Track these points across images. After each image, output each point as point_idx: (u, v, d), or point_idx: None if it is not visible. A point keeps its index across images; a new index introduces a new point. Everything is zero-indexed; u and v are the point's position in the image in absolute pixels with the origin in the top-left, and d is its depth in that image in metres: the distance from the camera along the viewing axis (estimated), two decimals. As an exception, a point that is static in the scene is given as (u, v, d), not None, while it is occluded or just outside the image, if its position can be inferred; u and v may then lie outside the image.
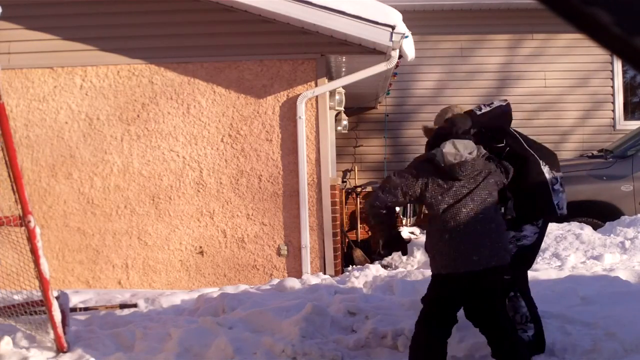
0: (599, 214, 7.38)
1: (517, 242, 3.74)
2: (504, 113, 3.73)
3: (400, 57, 6.58)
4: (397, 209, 8.91)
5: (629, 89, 10.22)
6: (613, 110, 9.85)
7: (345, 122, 8.27)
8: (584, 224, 7.06)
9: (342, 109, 7.74)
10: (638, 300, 4.50)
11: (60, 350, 4.26)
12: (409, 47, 6.88)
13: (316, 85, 6.58)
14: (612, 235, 6.74)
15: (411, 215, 9.07)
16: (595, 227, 7.12)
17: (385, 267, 6.98)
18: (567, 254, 6.31)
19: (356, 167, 9.76)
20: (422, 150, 10.43)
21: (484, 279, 3.39)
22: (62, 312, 4.26)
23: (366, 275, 5.82)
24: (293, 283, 5.57)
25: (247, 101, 6.63)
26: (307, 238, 6.58)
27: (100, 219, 6.66)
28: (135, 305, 5.48)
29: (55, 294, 4.31)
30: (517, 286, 3.78)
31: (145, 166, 6.65)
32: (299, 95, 6.56)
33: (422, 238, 7.25)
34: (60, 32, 6.58)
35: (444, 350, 3.49)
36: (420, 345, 3.49)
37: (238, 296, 5.10)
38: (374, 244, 8.49)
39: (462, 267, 3.36)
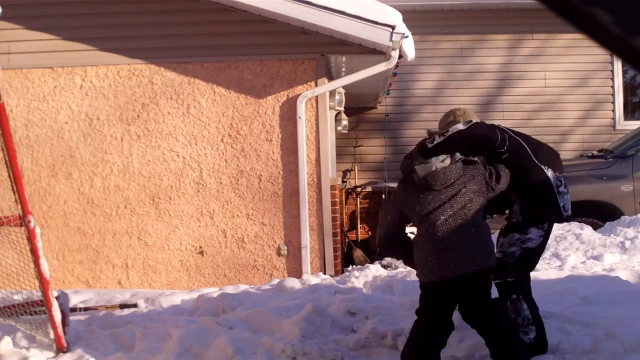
0: (599, 214, 7.38)
1: (522, 245, 3.74)
2: (467, 137, 3.61)
3: (400, 57, 6.58)
4: None
5: (629, 89, 10.22)
6: (613, 110, 9.85)
7: (345, 122, 8.27)
8: (584, 224, 7.05)
9: (342, 109, 7.74)
10: (638, 300, 4.50)
11: (60, 350, 4.26)
12: (409, 47, 6.88)
13: (316, 85, 6.59)
14: (612, 235, 6.74)
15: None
16: (595, 227, 7.12)
17: (385, 267, 6.98)
18: (567, 254, 6.31)
19: (356, 167, 9.76)
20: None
21: (465, 285, 3.40)
22: (62, 312, 4.26)
23: (366, 275, 5.82)
24: (293, 283, 5.57)
25: (247, 101, 6.63)
26: (307, 238, 6.58)
27: (100, 219, 6.66)
28: (135, 305, 5.48)
29: (55, 294, 4.30)
30: (519, 288, 3.78)
31: (145, 166, 6.65)
32: (299, 95, 6.56)
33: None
34: (60, 32, 6.58)
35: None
36: (412, 353, 3.51)
37: (238, 296, 5.10)
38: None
39: (440, 274, 3.40)
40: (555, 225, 6.71)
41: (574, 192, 7.02)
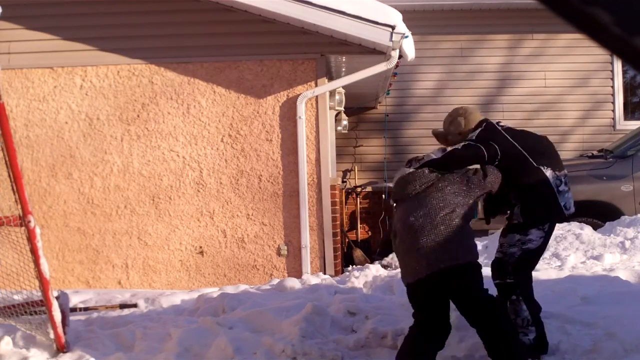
0: (599, 214, 7.37)
1: (522, 246, 3.74)
2: (448, 158, 3.65)
3: (400, 57, 6.58)
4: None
5: (629, 89, 10.22)
6: (613, 110, 9.85)
7: (345, 122, 8.26)
8: (584, 224, 7.05)
9: (342, 109, 7.74)
10: (638, 300, 4.50)
11: (60, 350, 4.26)
12: (409, 47, 6.88)
13: (316, 85, 6.59)
14: (612, 235, 6.74)
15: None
16: (595, 227, 7.11)
17: (385, 267, 6.98)
18: (567, 254, 6.31)
19: (356, 167, 9.76)
20: (421, 150, 10.51)
21: (440, 283, 3.42)
22: (62, 312, 4.26)
23: (366, 275, 5.82)
24: (293, 283, 5.57)
25: (247, 101, 6.63)
26: (307, 238, 6.58)
27: (100, 219, 6.66)
28: (135, 305, 5.48)
29: (55, 294, 4.30)
30: (519, 289, 3.77)
31: (145, 166, 6.65)
32: (299, 95, 6.56)
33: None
34: (60, 32, 6.58)
35: None
36: (404, 354, 3.52)
37: (238, 296, 5.10)
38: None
39: (410, 276, 3.51)
40: (556, 225, 6.74)
41: (574, 192, 7.02)
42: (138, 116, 6.66)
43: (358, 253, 8.41)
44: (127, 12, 6.60)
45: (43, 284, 4.09)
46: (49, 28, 6.57)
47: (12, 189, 3.98)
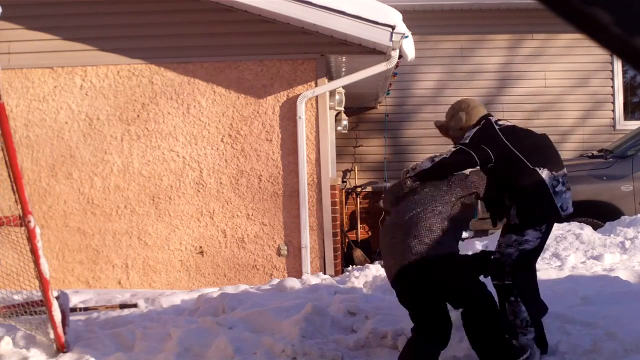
0: (599, 214, 7.37)
1: (519, 246, 3.73)
2: (437, 168, 3.69)
3: (400, 57, 6.58)
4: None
5: (629, 89, 10.22)
6: (613, 110, 9.85)
7: (345, 122, 8.27)
8: (584, 224, 7.05)
9: (342, 109, 7.74)
10: (638, 300, 4.50)
11: (60, 350, 4.26)
12: (409, 47, 6.88)
13: (316, 85, 6.59)
14: (612, 235, 6.74)
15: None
16: (595, 227, 7.11)
17: (385, 267, 6.97)
18: (567, 254, 6.31)
19: (356, 167, 9.76)
20: (421, 149, 10.41)
21: (408, 281, 3.46)
22: (62, 312, 4.26)
23: (366, 275, 5.82)
24: (293, 283, 5.57)
25: (247, 101, 6.63)
26: (307, 238, 6.58)
27: (100, 219, 6.66)
28: (135, 305, 5.48)
29: (55, 294, 4.30)
30: (517, 290, 3.75)
31: (145, 166, 6.65)
32: (299, 95, 6.56)
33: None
34: (60, 32, 6.58)
35: None
36: (405, 354, 3.53)
37: (238, 296, 5.10)
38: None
39: (388, 277, 3.62)
40: (555, 225, 6.70)
41: (574, 192, 7.01)
42: (138, 116, 6.66)
43: (358, 253, 8.41)
44: (127, 12, 6.60)
45: (43, 284, 4.09)
46: (49, 28, 6.57)
47: (12, 189, 3.98)
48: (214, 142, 6.65)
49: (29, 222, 4.00)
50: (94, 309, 5.43)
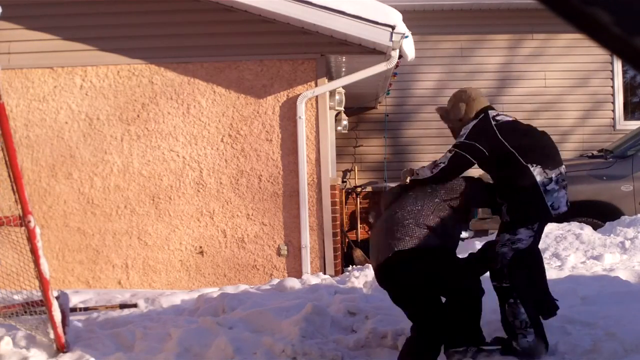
0: (599, 214, 7.37)
1: (512, 246, 3.71)
2: (439, 177, 3.73)
3: (400, 57, 6.58)
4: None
5: (629, 89, 10.22)
6: (613, 110, 9.85)
7: (345, 122, 8.27)
8: (584, 224, 7.04)
9: (342, 109, 7.74)
10: (638, 300, 4.50)
11: (60, 350, 4.26)
12: (409, 47, 6.88)
13: (316, 85, 6.59)
14: (612, 235, 6.73)
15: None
16: (595, 227, 7.11)
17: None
18: (567, 254, 6.31)
19: (356, 167, 9.76)
20: (421, 149, 10.38)
21: (386, 277, 3.56)
22: (62, 312, 4.26)
23: (366, 275, 5.81)
24: (293, 283, 5.57)
25: (247, 101, 6.63)
26: (307, 238, 6.58)
27: (100, 219, 6.66)
28: (135, 305, 5.48)
29: (55, 294, 4.30)
30: (516, 292, 3.74)
31: (145, 166, 6.65)
32: (299, 95, 6.56)
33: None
34: (60, 32, 6.58)
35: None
36: (406, 353, 3.55)
37: (238, 296, 5.10)
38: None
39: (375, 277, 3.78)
40: (555, 225, 6.75)
41: (574, 192, 7.03)
42: (138, 116, 6.66)
43: (358, 253, 8.41)
44: (127, 12, 6.60)
45: (43, 284, 4.09)
46: (49, 28, 6.57)
47: (12, 189, 3.98)
48: (214, 142, 6.65)
49: (29, 222, 4.00)
50: (94, 309, 5.42)
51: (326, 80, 6.64)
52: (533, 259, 3.86)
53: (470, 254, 3.95)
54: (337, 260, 6.71)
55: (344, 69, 7.48)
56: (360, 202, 9.56)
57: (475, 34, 9.72)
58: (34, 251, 4.04)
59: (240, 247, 6.65)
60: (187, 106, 6.65)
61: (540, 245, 3.99)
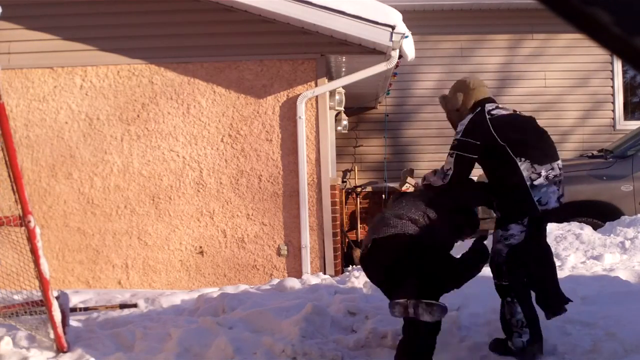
0: (599, 214, 7.37)
1: (505, 242, 3.71)
2: (454, 181, 3.79)
3: (400, 57, 6.58)
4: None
5: (629, 89, 10.22)
6: (613, 110, 9.85)
7: (345, 122, 8.27)
8: (584, 224, 7.04)
9: (342, 109, 7.74)
10: (638, 300, 4.50)
11: (60, 350, 4.26)
12: (409, 47, 6.88)
13: (316, 85, 6.59)
14: (612, 235, 6.73)
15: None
16: (595, 227, 7.10)
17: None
18: (567, 254, 6.31)
19: (356, 167, 9.76)
20: (421, 149, 10.38)
21: (377, 277, 3.64)
22: (62, 312, 4.26)
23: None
24: (293, 283, 5.57)
25: (247, 101, 6.63)
26: (307, 238, 6.58)
27: (100, 219, 6.66)
28: (135, 305, 5.48)
29: (55, 294, 4.30)
30: (513, 291, 3.73)
31: (145, 166, 6.65)
32: (299, 95, 6.56)
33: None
34: (60, 32, 6.58)
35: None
36: (402, 352, 3.57)
37: (238, 296, 5.10)
38: None
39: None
40: (555, 225, 6.75)
41: (574, 192, 7.05)
42: (138, 116, 6.66)
43: (358, 253, 8.40)
44: (127, 12, 6.60)
45: (43, 284, 4.09)
46: (49, 28, 6.57)
47: (12, 189, 3.98)
48: (214, 142, 6.65)
49: (29, 222, 4.00)
50: (94, 309, 5.42)
51: (326, 80, 6.64)
52: (535, 256, 3.81)
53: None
54: (337, 260, 6.71)
55: (344, 69, 7.48)
56: (360, 202, 9.56)
57: (475, 34, 9.72)
58: (34, 251, 4.04)
59: (240, 247, 6.65)
60: (187, 106, 6.65)
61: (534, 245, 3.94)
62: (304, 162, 6.56)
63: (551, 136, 3.96)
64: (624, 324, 4.00)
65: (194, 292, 5.90)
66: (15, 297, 4.36)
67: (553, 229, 6.69)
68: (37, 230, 4.05)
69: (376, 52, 6.41)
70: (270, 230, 6.64)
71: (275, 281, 5.91)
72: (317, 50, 6.55)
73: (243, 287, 5.75)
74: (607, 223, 7.11)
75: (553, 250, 6.43)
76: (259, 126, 6.63)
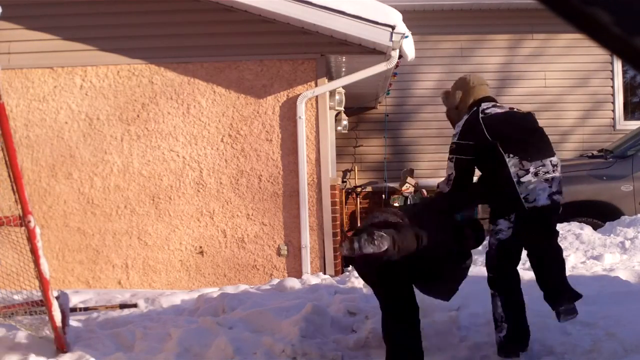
0: (599, 214, 7.37)
1: (495, 236, 3.76)
2: (456, 184, 3.82)
3: (400, 57, 6.58)
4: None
5: (629, 89, 10.22)
6: (613, 110, 9.85)
7: (345, 122, 8.27)
8: (584, 224, 7.04)
9: (342, 109, 7.74)
10: (638, 300, 4.50)
11: (60, 350, 4.26)
12: (409, 47, 6.88)
13: (316, 85, 6.59)
14: (612, 235, 6.73)
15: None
16: (595, 227, 7.11)
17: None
18: (567, 254, 6.30)
19: (356, 167, 9.76)
20: (421, 149, 10.38)
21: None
22: (62, 312, 4.26)
23: (366, 275, 5.81)
24: (293, 283, 5.57)
25: (247, 101, 6.63)
26: (307, 238, 6.58)
27: (100, 219, 6.66)
28: (135, 305, 5.48)
29: (55, 294, 4.30)
30: (497, 287, 3.75)
31: (145, 166, 6.65)
32: (299, 95, 6.56)
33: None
34: (60, 32, 6.58)
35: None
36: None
37: (238, 296, 5.10)
38: None
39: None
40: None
41: (575, 192, 7.06)
42: (138, 116, 6.66)
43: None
44: (127, 12, 6.60)
45: (43, 284, 4.09)
46: (49, 28, 6.57)
47: (12, 189, 3.98)
48: (214, 142, 6.65)
49: (29, 222, 4.00)
50: (94, 309, 5.42)
51: (326, 80, 6.64)
52: (517, 252, 3.82)
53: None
54: (337, 260, 6.71)
55: (344, 69, 7.48)
56: (360, 202, 9.56)
57: (475, 34, 9.72)
58: (34, 251, 4.04)
59: (240, 247, 6.65)
60: (187, 106, 6.65)
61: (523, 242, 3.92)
62: (304, 162, 6.56)
63: (551, 136, 3.96)
64: (624, 324, 4.00)
65: (194, 292, 5.90)
66: (15, 297, 4.35)
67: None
68: (37, 230, 4.05)
69: (376, 52, 6.41)
70: (270, 230, 6.64)
71: (275, 281, 5.91)
72: (317, 50, 6.55)
73: (243, 287, 5.75)
74: (607, 223, 7.11)
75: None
76: (259, 126, 6.63)
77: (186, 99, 6.65)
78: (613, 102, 9.83)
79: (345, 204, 9.52)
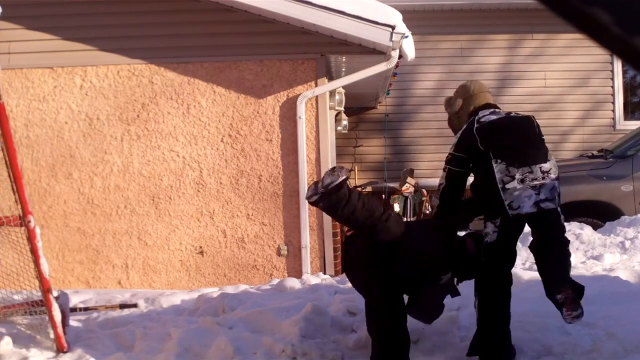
0: (599, 214, 7.37)
1: (484, 238, 3.79)
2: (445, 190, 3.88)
3: (400, 57, 6.58)
4: (397, 207, 8.93)
5: (629, 89, 10.22)
6: (613, 110, 9.85)
7: (345, 122, 8.27)
8: (584, 224, 7.05)
9: (342, 109, 7.74)
10: (638, 300, 4.50)
11: (60, 350, 4.26)
12: (409, 47, 6.88)
13: (316, 85, 6.59)
14: (612, 235, 6.74)
15: (411, 215, 9.08)
16: (595, 227, 7.11)
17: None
18: (567, 254, 6.30)
19: (356, 167, 9.76)
20: (421, 149, 10.38)
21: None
22: (62, 312, 4.26)
23: (366, 275, 5.80)
24: (293, 283, 5.57)
25: (247, 101, 6.63)
26: (307, 238, 6.58)
27: (100, 219, 6.66)
28: (135, 305, 5.48)
29: (55, 294, 4.30)
30: (478, 289, 3.77)
31: (145, 166, 6.65)
32: (299, 95, 6.56)
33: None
34: (60, 32, 6.58)
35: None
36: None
37: (238, 296, 5.10)
38: None
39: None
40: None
41: (575, 192, 7.06)
42: (138, 116, 6.66)
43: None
44: (127, 12, 6.60)
45: (43, 284, 4.09)
46: (49, 28, 6.57)
47: (12, 189, 3.98)
48: (214, 142, 6.65)
49: (29, 222, 4.00)
50: (94, 309, 5.42)
51: (326, 80, 6.64)
52: (502, 256, 3.81)
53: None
54: (337, 260, 6.71)
55: (344, 69, 7.48)
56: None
57: (475, 34, 9.72)
58: (34, 251, 4.04)
59: (240, 247, 6.65)
60: (187, 106, 6.65)
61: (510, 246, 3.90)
62: (304, 162, 6.56)
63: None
64: (624, 324, 4.00)
65: (194, 292, 5.90)
66: (15, 297, 4.36)
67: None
68: (37, 230, 4.05)
69: (376, 52, 6.41)
70: (270, 230, 6.64)
71: (275, 281, 5.91)
72: (317, 50, 6.55)
73: (243, 287, 5.75)
74: (607, 223, 7.12)
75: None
76: (259, 126, 6.63)
77: (186, 99, 6.65)
78: (613, 102, 9.83)
79: (345, 204, 9.50)
